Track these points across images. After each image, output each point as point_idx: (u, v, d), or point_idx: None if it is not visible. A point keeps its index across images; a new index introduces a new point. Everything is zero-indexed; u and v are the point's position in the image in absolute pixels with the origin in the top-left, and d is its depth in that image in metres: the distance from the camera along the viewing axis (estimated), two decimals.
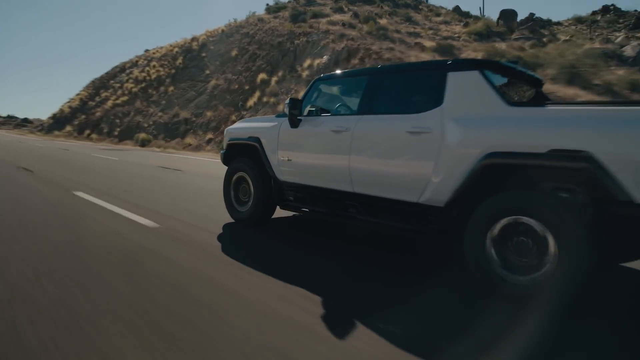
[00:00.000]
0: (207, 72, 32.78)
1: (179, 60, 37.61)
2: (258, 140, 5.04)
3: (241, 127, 5.44)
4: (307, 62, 24.93)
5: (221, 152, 5.70)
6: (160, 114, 31.74)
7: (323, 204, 4.42)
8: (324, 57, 24.58)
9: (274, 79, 25.93)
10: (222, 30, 37.09)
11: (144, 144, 28.14)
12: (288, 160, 4.72)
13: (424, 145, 3.50)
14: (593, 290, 3.13)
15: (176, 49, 40.98)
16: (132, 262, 3.71)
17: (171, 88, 34.50)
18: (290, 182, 4.73)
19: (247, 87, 27.17)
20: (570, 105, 3.06)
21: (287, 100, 4.56)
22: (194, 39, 40.05)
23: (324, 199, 4.40)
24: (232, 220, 5.36)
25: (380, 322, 2.71)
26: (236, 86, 28.08)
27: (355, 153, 4.05)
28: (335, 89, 4.83)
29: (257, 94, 25.40)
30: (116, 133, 34.44)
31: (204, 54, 35.38)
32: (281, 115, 5.05)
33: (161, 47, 46.26)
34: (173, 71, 36.97)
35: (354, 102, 4.45)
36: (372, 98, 4.12)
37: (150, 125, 31.30)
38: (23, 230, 4.67)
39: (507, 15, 24.68)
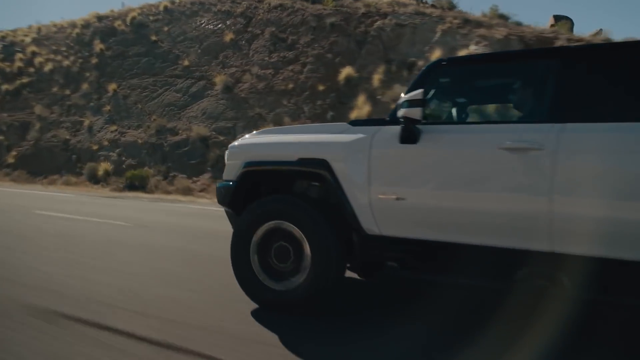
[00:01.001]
0: (185, 63, 21.02)
1: (99, 45, 24.52)
2: (325, 164, 3.13)
3: (273, 143, 3.49)
4: (436, 54, 16.57)
5: (219, 185, 3.67)
6: (128, 130, 18.84)
7: (473, 272, 2.72)
8: (473, 47, 16.40)
9: (377, 76, 16.63)
10: (177, 4, 25.15)
11: (134, 185, 15.41)
12: (396, 199, 2.94)
13: None
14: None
15: (77, 31, 27.27)
16: None
17: (113, 86, 21.49)
18: (399, 237, 2.99)
19: (321, 87, 17.07)
20: None
21: (402, 99, 2.86)
22: (117, 16, 26.89)
23: (473, 264, 2.70)
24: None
25: None
26: (289, 85, 17.64)
27: (562, 187, 2.54)
28: (472, 81, 3.34)
29: (362, 97, 15.81)
30: (11, 161, 19.92)
31: (155, 38, 23.21)
32: (357, 122, 3.27)
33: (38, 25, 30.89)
34: (96, 60, 23.73)
35: (522, 100, 3.15)
36: (582, 95, 2.65)
37: (106, 149, 18.25)
38: None
39: None
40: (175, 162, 16.38)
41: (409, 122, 2.88)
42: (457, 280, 2.91)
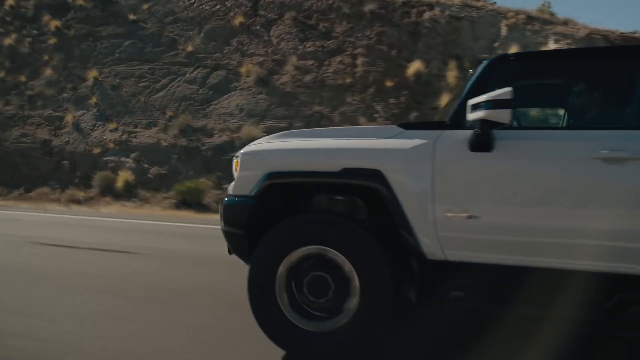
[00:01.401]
0: (189, 49, 17.72)
1: (53, 23, 20.20)
2: (379, 176, 2.62)
3: (307, 149, 2.82)
4: (513, 48, 15.57)
5: (227, 202, 2.92)
6: (136, 128, 15.15)
7: (558, 301, 2.44)
8: (553, 44, 15.53)
9: (452, 73, 15.15)
10: None
11: (186, 202, 12.01)
12: (468, 217, 2.54)
13: None
14: None
15: (10, 2, 22.34)
16: None
17: (93, 73, 17.55)
18: (469, 262, 2.58)
19: (389, 84, 15.09)
20: None
21: (481, 99, 2.44)
22: None
23: (558, 291, 2.45)
24: None
25: None
26: (347, 79, 15.41)
27: (614, 202, 2.37)
28: (544, 80, 3.05)
29: (446, 97, 14.25)
30: None
31: (134, 17, 19.47)
32: (410, 125, 2.78)
33: None
34: (54, 40, 19.49)
35: (611, 104, 2.88)
36: None
37: (112, 152, 14.51)
38: None
39: None
40: (224, 170, 13.19)
41: (486, 126, 2.48)
42: (536, 311, 2.56)
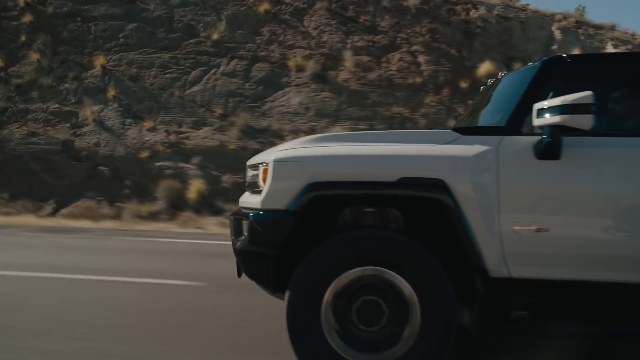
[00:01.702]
0: (214, 36, 15.83)
1: None
2: (443, 186, 2.41)
3: (357, 156, 2.54)
4: (574, 51, 15.40)
5: (254, 217, 2.57)
6: (181, 128, 13.01)
7: (597, 316, 2.44)
8: (611, 49, 16.09)
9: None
10: None
11: None
12: (537, 230, 2.42)
13: None
14: None
15: None
16: None
17: (100, 60, 14.98)
18: (536, 279, 2.46)
19: (464, 84, 14.59)
20: None
21: (555, 102, 2.30)
22: None
23: (597, 306, 2.45)
24: None
25: None
26: (417, 79, 14.65)
27: None
28: (599, 83, 2.79)
29: None
30: None
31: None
32: (466, 130, 2.63)
33: None
34: (29, 19, 16.41)
35: None
36: None
37: (166, 157, 12.29)
38: None
39: None
40: None
41: (557, 132, 2.38)
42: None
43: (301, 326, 2.45)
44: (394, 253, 2.43)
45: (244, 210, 2.77)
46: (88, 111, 13.53)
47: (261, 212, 2.57)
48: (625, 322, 2.47)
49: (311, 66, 14.77)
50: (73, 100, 14.05)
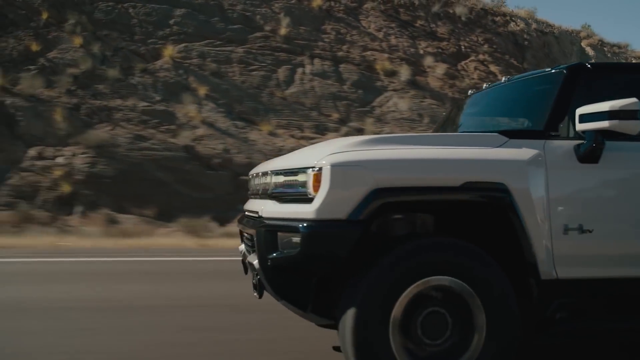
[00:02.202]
0: (282, 31, 14.96)
1: None
2: (505, 191, 2.50)
3: (422, 160, 2.50)
4: None
5: (306, 229, 2.35)
6: (298, 133, 12.01)
7: (635, 312, 2.78)
8: None
9: None
10: None
11: None
12: (581, 231, 2.65)
13: None
14: None
15: None
16: None
17: (169, 51, 13.27)
18: (579, 279, 2.67)
19: None
20: None
21: (602, 107, 2.48)
22: None
23: (634, 302, 2.80)
24: None
25: None
26: None
27: None
28: (616, 91, 2.82)
29: None
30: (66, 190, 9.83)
31: None
32: (512, 134, 2.68)
33: None
34: None
35: None
36: None
37: None
38: None
39: None
40: None
41: (600, 137, 2.50)
42: None
43: (369, 348, 2.28)
44: (462, 261, 2.35)
45: (273, 222, 2.49)
46: (191, 112, 11.65)
47: (319, 223, 2.30)
48: None
49: (404, 71, 14.44)
50: (158, 98, 11.92)
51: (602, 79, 2.83)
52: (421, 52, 15.81)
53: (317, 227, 2.29)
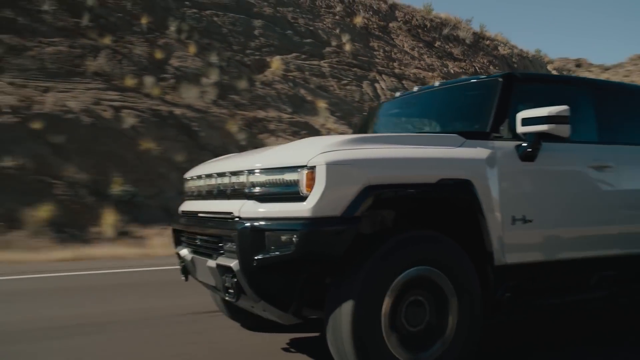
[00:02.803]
0: (346, 47, 17.00)
1: None
2: (470, 187, 2.68)
3: (405, 159, 2.60)
4: None
5: (303, 227, 2.34)
6: None
7: (571, 289, 3.15)
8: None
9: None
10: None
11: None
12: (524, 221, 2.87)
13: None
14: None
15: None
16: None
17: (276, 64, 14.64)
18: (524, 263, 2.93)
19: None
20: None
21: (541, 112, 2.74)
22: None
23: (567, 281, 3.14)
24: None
25: None
26: None
27: (627, 199, 3.36)
28: (541, 99, 3.05)
29: None
30: None
31: None
32: (468, 135, 2.85)
33: None
34: None
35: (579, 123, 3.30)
36: (611, 121, 3.49)
37: None
38: None
39: None
40: None
41: (539, 139, 2.81)
42: (561, 302, 3.10)
43: (364, 339, 2.37)
44: (441, 252, 2.58)
45: (258, 222, 2.44)
46: (326, 123, 12.81)
47: (316, 221, 2.34)
48: (589, 289, 3.14)
49: None
50: (289, 109, 12.88)
51: (529, 87, 3.20)
52: (452, 71, 18.53)
53: (314, 225, 2.31)
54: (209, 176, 3.07)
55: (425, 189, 2.57)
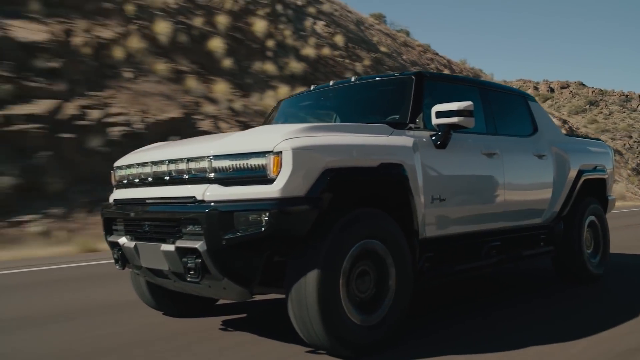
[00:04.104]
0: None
1: None
2: (402, 169, 3.22)
3: (353, 145, 3.07)
4: None
5: (276, 205, 2.68)
6: None
7: (470, 257, 3.87)
8: None
9: None
10: None
11: None
12: (440, 200, 3.49)
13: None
14: None
15: None
16: None
17: None
18: (439, 236, 3.59)
19: None
20: None
21: (451, 106, 3.35)
22: None
23: (468, 250, 3.86)
24: None
25: None
26: None
27: (508, 180, 4.12)
28: (442, 96, 3.70)
29: None
30: None
31: None
32: (396, 125, 3.45)
33: None
34: None
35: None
36: (494, 115, 4.27)
37: None
38: None
39: None
40: None
41: (450, 129, 3.45)
42: (465, 270, 3.77)
43: (330, 303, 2.75)
44: (383, 227, 3.07)
45: (226, 204, 2.73)
46: None
47: (285, 201, 2.67)
48: (490, 256, 3.91)
49: None
50: None
51: (435, 84, 3.83)
52: None
53: (283, 205, 2.66)
54: (156, 163, 3.21)
55: (370, 171, 3.07)
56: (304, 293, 2.75)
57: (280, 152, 2.73)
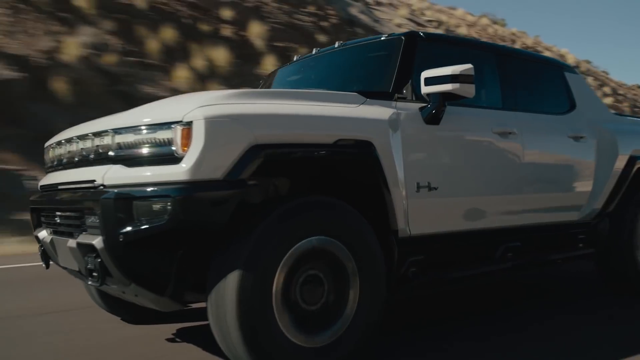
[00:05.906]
0: None
1: None
2: (371, 148, 2.62)
3: (296, 115, 2.47)
4: None
5: (178, 192, 2.15)
6: None
7: (477, 261, 3.16)
8: None
9: None
10: None
11: None
12: (429, 189, 2.82)
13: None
14: None
15: None
16: None
17: None
18: (430, 235, 2.91)
19: None
20: None
21: (445, 71, 2.69)
22: None
23: (474, 253, 3.16)
24: None
25: None
26: None
27: (529, 166, 3.42)
28: (444, 60, 2.92)
29: None
30: None
31: None
32: (369, 94, 2.82)
33: None
34: None
35: (488, 88, 3.45)
36: (515, 88, 3.57)
37: None
38: None
39: None
40: None
41: (443, 100, 2.76)
42: (467, 275, 3.09)
43: (255, 314, 2.15)
44: (340, 221, 2.42)
45: (125, 189, 2.20)
46: None
47: (194, 185, 2.14)
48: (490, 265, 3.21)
49: None
50: None
51: (433, 47, 3.19)
52: None
53: (192, 190, 2.12)
54: (68, 141, 2.79)
55: (322, 149, 2.44)
56: (223, 303, 2.20)
57: (191, 122, 2.16)
